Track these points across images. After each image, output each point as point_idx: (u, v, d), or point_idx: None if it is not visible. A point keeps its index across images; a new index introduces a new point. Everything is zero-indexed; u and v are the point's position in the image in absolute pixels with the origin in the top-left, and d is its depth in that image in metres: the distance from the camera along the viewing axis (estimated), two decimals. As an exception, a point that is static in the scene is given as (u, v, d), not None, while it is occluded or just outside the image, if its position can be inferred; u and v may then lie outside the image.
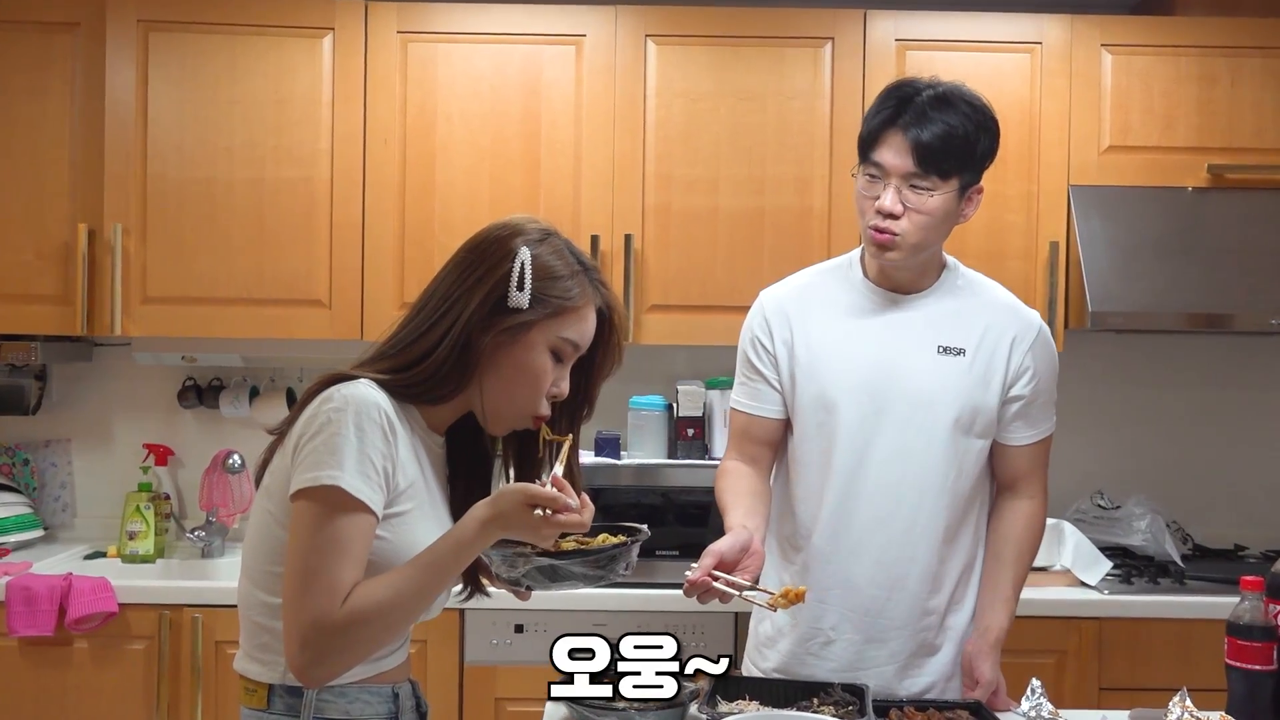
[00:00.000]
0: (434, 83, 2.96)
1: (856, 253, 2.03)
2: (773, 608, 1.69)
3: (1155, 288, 2.91)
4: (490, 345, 1.46)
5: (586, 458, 2.90)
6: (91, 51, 2.95)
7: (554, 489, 1.40)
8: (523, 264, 1.45)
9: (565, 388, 1.52)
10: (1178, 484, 3.28)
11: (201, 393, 3.25)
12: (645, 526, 1.60)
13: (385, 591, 1.37)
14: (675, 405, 3.01)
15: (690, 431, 2.97)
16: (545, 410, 1.51)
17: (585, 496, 1.44)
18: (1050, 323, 2.93)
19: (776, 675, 1.97)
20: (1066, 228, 2.97)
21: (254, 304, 2.96)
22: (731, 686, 1.76)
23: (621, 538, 1.56)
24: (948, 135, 1.83)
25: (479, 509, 1.40)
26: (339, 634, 1.35)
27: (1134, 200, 2.97)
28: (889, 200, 1.85)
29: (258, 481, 1.52)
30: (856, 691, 1.73)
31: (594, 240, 2.93)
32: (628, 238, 2.95)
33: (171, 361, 3.18)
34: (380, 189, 2.96)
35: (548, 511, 1.37)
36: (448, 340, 1.45)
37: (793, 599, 1.66)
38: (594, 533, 1.56)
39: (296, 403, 1.47)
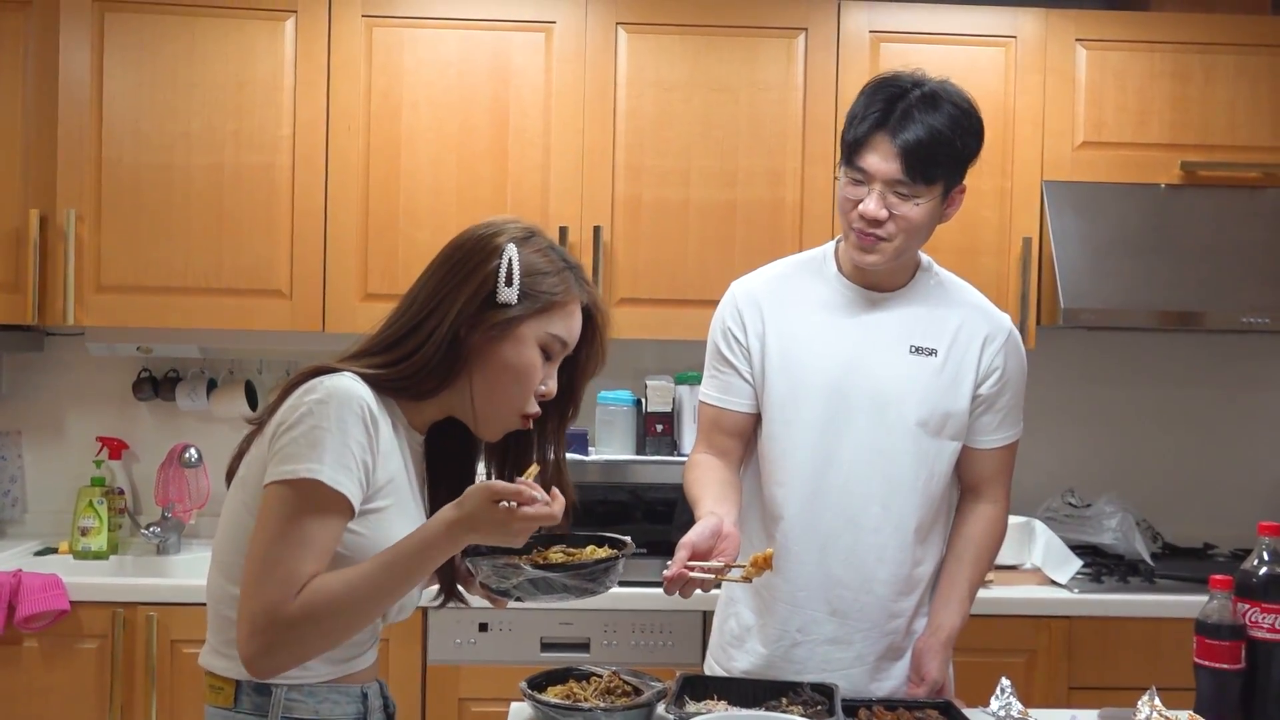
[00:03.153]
0: (399, 69, 2.90)
1: (831, 246, 2.00)
2: (747, 579, 1.68)
3: (1128, 285, 2.90)
4: (479, 342, 1.45)
5: (553, 453, 2.85)
6: (45, 31, 2.86)
7: (522, 485, 1.37)
8: (510, 260, 1.45)
9: (554, 386, 1.52)
10: (1148, 482, 3.28)
11: (157, 384, 3.17)
12: (629, 538, 1.60)
13: (340, 587, 1.34)
14: (644, 400, 2.97)
15: (659, 427, 2.93)
16: (534, 408, 1.50)
17: (557, 490, 1.41)
18: (1022, 319, 2.92)
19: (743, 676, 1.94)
20: (1040, 224, 2.95)
21: (212, 294, 2.89)
22: (699, 686, 1.74)
23: (610, 550, 1.56)
24: (934, 140, 1.79)
25: (446, 510, 1.37)
26: (290, 626, 1.32)
27: (1107, 197, 2.95)
28: (873, 206, 1.81)
29: (230, 472, 1.49)
30: (825, 691, 1.71)
31: (562, 231, 2.88)
32: (597, 229, 2.90)
33: (126, 352, 3.10)
34: (343, 177, 2.90)
35: (513, 504, 1.33)
36: (435, 336, 1.44)
37: (761, 565, 1.64)
38: (581, 544, 1.57)
39: (278, 394, 1.45)
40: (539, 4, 2.92)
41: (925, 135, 1.78)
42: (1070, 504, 3.13)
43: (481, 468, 1.63)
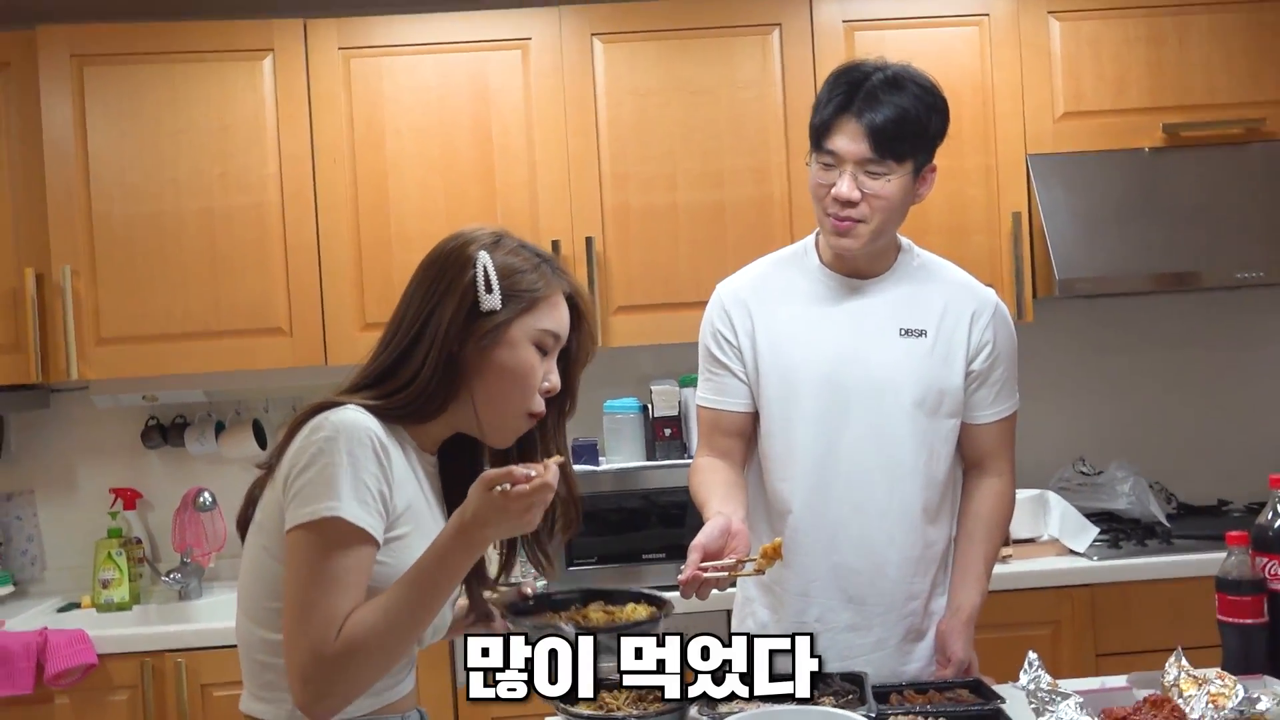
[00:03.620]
0: (380, 97, 2.92)
1: (810, 239, 2.01)
2: (760, 571, 1.69)
3: (1120, 251, 2.91)
4: (473, 354, 1.45)
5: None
6: (25, 90, 2.88)
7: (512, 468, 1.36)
8: (485, 267, 1.45)
9: (556, 380, 1.51)
10: (1158, 445, 3.28)
11: (166, 431, 3.18)
12: (669, 597, 1.63)
13: (376, 615, 1.34)
14: (650, 406, 2.98)
15: (667, 431, 2.93)
16: (540, 406, 1.50)
17: (548, 461, 1.39)
18: (1018, 293, 2.93)
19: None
20: (1028, 198, 2.96)
21: (212, 337, 2.90)
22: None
23: (650, 608, 1.58)
24: (901, 118, 1.82)
25: (454, 517, 1.37)
26: (338, 665, 1.33)
27: (1092, 165, 2.96)
28: (845, 187, 1.83)
29: (243, 519, 1.48)
30: (855, 679, 1.71)
31: (555, 245, 2.89)
32: (589, 240, 2.91)
33: (132, 402, 3.10)
34: (333, 209, 2.91)
35: (507, 486, 1.33)
36: (430, 358, 1.44)
37: (772, 555, 1.65)
38: (620, 601, 1.59)
39: (284, 435, 1.44)
40: (513, 22, 2.94)
41: (891, 112, 1.81)
42: (1082, 472, 3.13)
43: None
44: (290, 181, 2.90)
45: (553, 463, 1.38)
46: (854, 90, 1.83)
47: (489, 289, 1.44)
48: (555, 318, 1.50)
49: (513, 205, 2.92)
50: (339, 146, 2.91)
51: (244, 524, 1.48)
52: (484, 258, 1.45)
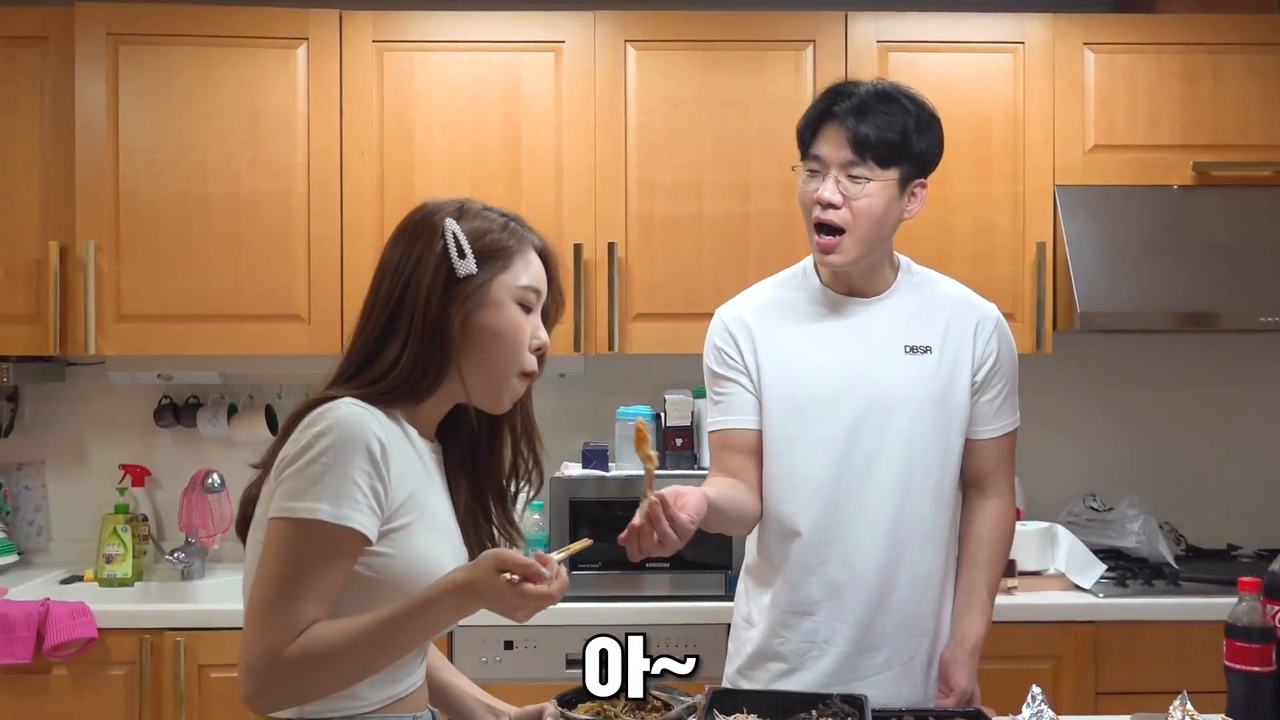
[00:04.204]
0: (411, 92, 2.92)
1: (809, 260, 2.02)
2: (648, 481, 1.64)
3: (1143, 287, 2.89)
4: (458, 322, 1.44)
5: (574, 469, 2.86)
6: (60, 66, 2.90)
7: (534, 559, 1.33)
8: (454, 234, 1.44)
9: (545, 336, 1.51)
10: (1170, 484, 3.26)
11: (178, 411, 3.19)
12: (696, 698, 1.66)
13: (339, 640, 1.33)
14: (663, 415, 2.97)
15: (679, 441, 2.93)
16: (532, 364, 1.49)
17: (562, 570, 1.37)
18: (1038, 324, 2.92)
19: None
20: (1053, 228, 2.95)
21: (231, 320, 2.90)
22: (729, 700, 1.73)
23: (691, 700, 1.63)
24: (884, 125, 1.84)
25: (457, 571, 1.35)
26: (286, 672, 1.32)
27: (1120, 199, 2.95)
28: (828, 191, 1.85)
29: (243, 522, 1.46)
30: (855, 702, 1.70)
31: (577, 249, 2.89)
32: (611, 246, 2.91)
33: (147, 380, 3.12)
34: (358, 201, 2.91)
35: (515, 577, 1.31)
36: (414, 334, 1.42)
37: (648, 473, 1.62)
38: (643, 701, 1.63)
39: (280, 432, 1.43)
40: (548, 24, 2.94)
41: (875, 118, 1.84)
42: (1092, 508, 3.12)
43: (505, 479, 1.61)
44: (317, 171, 2.91)
45: (562, 569, 1.35)
46: (842, 99, 1.87)
47: (461, 254, 1.43)
48: (532, 272, 1.49)
49: (538, 207, 2.92)
50: (368, 139, 2.91)
51: (243, 526, 1.46)
52: (451, 224, 1.44)
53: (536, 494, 1.60)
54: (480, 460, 1.57)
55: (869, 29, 2.96)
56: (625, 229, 2.94)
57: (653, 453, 1.60)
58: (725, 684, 2.05)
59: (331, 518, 1.33)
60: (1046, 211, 2.95)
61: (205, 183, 2.90)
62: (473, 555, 1.51)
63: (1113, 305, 2.86)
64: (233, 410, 3.18)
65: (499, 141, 2.93)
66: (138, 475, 3.18)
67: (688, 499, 1.69)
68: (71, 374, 3.23)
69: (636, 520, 1.63)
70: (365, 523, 1.35)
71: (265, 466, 1.43)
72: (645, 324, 2.94)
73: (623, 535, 1.64)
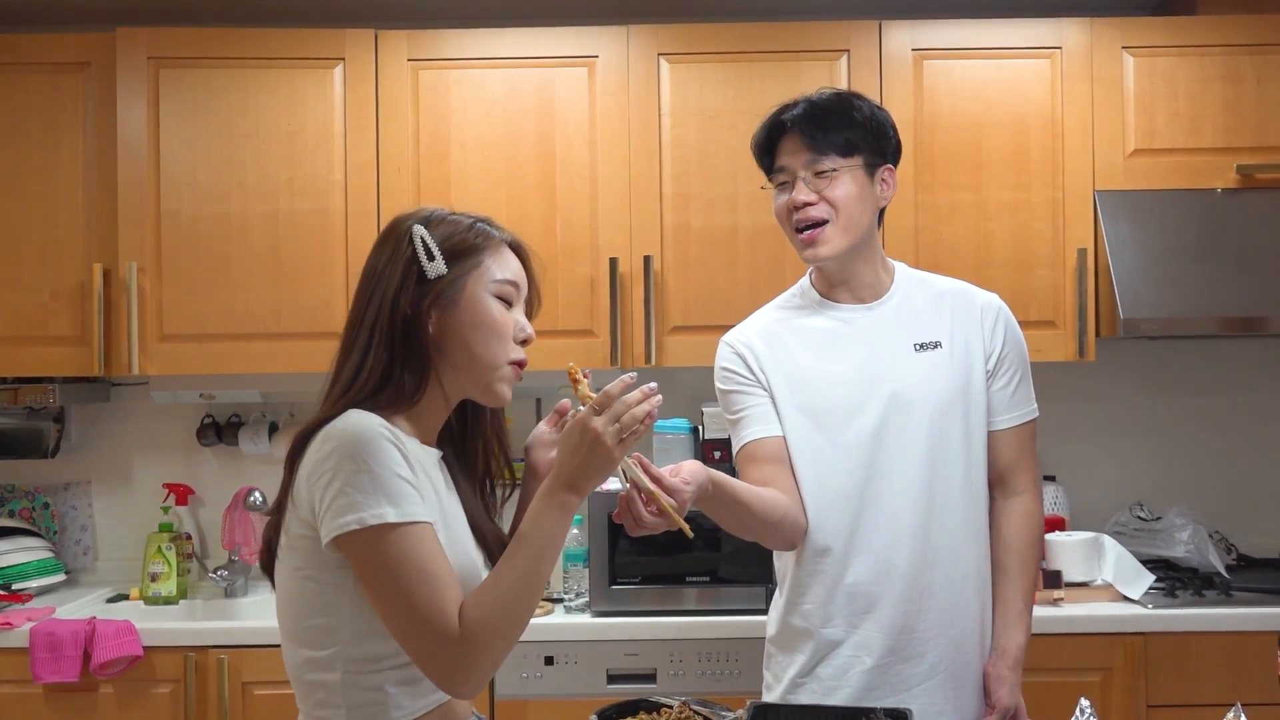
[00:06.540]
0: (446, 109, 2.94)
1: (805, 279, 2.04)
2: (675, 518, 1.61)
3: (1187, 292, 2.85)
4: (435, 323, 1.45)
5: (612, 484, 2.84)
6: (103, 91, 2.95)
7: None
8: (422, 238, 1.46)
9: (530, 329, 1.52)
10: (1219, 492, 3.20)
11: (220, 430, 3.22)
12: (735, 713, 1.64)
13: (495, 591, 1.36)
14: (701, 428, 2.96)
15: (717, 454, 2.91)
16: (520, 354, 1.50)
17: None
18: (1080, 331, 2.88)
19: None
20: (1094, 234, 2.91)
21: (271, 339, 2.93)
22: (771, 714, 1.71)
23: None
24: (829, 110, 1.89)
25: (541, 488, 1.39)
26: (471, 649, 1.35)
27: (1162, 204, 2.91)
28: (801, 195, 1.88)
29: (267, 562, 1.47)
30: (900, 715, 1.67)
31: (613, 263, 2.89)
32: (647, 259, 2.91)
33: (189, 399, 3.15)
34: (395, 218, 2.93)
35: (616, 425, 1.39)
36: (384, 336, 1.44)
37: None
38: None
39: (285, 468, 1.43)
40: (581, 39, 2.95)
41: (826, 117, 1.88)
42: (1139, 517, 3.06)
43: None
44: (355, 189, 2.93)
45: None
46: (788, 109, 1.92)
47: (430, 256, 1.45)
48: (506, 266, 1.50)
49: (573, 221, 2.93)
50: (404, 156, 2.93)
51: (269, 565, 1.48)
52: (419, 230, 1.46)
53: (510, 494, 1.62)
54: (465, 464, 1.60)
55: (903, 37, 2.94)
56: (661, 242, 2.94)
57: (591, 394, 1.45)
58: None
59: (398, 517, 1.34)
60: (1087, 217, 2.92)
61: (245, 202, 2.93)
62: (488, 556, 1.54)
63: (1156, 311, 2.82)
64: (274, 428, 3.21)
65: (534, 156, 2.94)
66: (181, 494, 3.21)
67: (682, 466, 1.68)
68: (116, 394, 3.27)
69: (622, 490, 1.60)
70: (423, 513, 1.37)
71: (279, 507, 1.44)
72: (682, 337, 2.93)
73: (616, 512, 1.62)
